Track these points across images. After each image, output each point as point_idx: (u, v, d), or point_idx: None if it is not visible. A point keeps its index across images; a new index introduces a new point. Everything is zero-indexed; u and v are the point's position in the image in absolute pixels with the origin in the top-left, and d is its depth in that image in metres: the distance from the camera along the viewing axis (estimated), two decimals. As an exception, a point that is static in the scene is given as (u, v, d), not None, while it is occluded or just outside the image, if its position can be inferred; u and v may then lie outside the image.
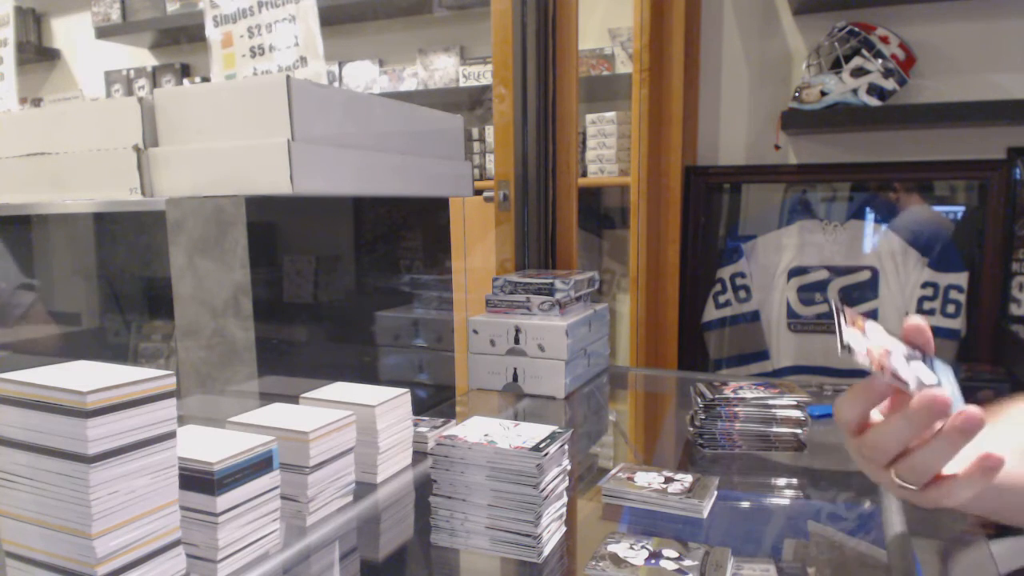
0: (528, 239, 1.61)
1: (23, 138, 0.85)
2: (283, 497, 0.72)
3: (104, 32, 3.07)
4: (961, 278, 1.79)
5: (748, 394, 0.99)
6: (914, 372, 0.51)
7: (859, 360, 0.49)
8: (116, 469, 0.55)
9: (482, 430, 0.75)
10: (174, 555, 0.61)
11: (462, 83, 2.66)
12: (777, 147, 1.95)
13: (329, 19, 2.77)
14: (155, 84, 3.15)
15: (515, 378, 1.29)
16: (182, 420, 0.69)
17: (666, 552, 0.67)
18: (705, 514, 0.79)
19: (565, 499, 0.76)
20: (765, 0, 1.99)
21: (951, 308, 1.78)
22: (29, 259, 1.32)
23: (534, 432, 0.75)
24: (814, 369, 1.97)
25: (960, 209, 1.86)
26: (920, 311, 1.80)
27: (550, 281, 1.30)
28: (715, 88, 2.08)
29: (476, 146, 2.59)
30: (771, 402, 0.98)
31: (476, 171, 2.57)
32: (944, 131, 1.84)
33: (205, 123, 0.75)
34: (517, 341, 1.28)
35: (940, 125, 1.81)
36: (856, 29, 1.75)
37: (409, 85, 2.76)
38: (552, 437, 0.74)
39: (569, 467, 0.77)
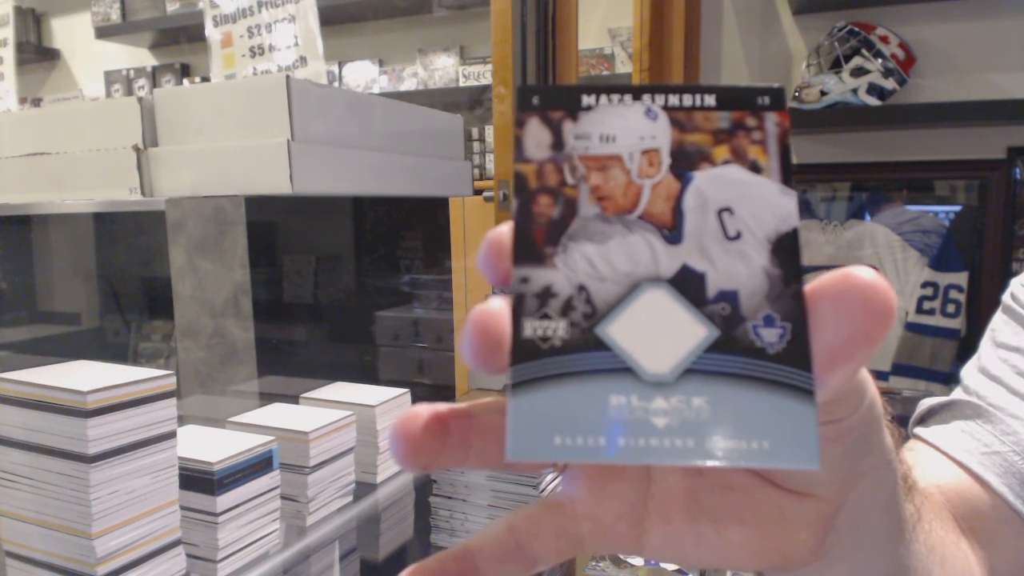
0: (528, 239, 1.61)
1: (23, 138, 0.85)
2: (283, 497, 0.72)
3: (104, 32, 3.07)
4: (961, 278, 1.79)
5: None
6: None
7: None
8: (116, 469, 0.55)
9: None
10: (174, 555, 0.61)
11: (462, 83, 2.66)
12: (777, 147, 1.95)
13: (329, 19, 2.77)
14: (155, 84, 3.15)
15: (515, 378, 1.28)
16: (182, 420, 0.69)
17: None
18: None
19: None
20: (765, 0, 1.99)
21: (951, 308, 1.78)
22: (29, 259, 1.32)
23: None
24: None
25: (959, 208, 1.86)
26: (920, 311, 1.80)
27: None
28: (715, 88, 2.08)
29: (476, 146, 2.59)
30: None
31: (476, 171, 2.57)
32: (944, 131, 1.84)
33: (205, 123, 0.75)
34: (517, 341, 1.27)
35: (940, 125, 1.81)
36: (856, 29, 1.75)
37: (409, 85, 2.76)
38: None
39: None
